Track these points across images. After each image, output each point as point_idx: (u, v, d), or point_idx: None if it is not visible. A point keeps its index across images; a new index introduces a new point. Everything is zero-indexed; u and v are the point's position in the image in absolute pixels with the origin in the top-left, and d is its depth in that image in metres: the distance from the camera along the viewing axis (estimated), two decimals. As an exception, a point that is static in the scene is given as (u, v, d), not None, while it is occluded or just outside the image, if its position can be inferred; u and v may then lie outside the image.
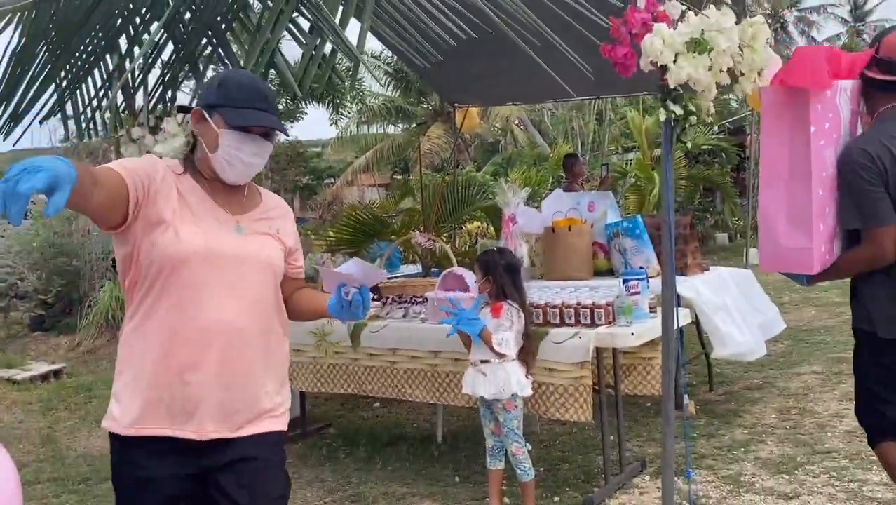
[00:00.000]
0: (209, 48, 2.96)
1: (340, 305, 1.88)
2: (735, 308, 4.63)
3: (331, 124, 22.14)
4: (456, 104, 7.98)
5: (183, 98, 3.15)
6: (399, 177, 26.24)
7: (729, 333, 4.41)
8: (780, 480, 3.59)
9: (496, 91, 7.36)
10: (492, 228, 9.36)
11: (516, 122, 23.31)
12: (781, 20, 38.18)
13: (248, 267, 1.84)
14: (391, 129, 24.62)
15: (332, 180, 23.85)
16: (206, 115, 1.80)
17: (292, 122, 17.15)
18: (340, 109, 15.85)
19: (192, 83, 3.13)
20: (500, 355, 3.16)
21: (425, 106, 23.01)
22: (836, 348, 6.06)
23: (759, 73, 2.18)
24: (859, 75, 2.55)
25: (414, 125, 23.38)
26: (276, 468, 1.89)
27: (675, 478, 3.34)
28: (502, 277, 3.27)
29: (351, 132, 23.67)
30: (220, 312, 1.78)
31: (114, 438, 1.85)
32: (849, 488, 3.43)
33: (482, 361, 3.22)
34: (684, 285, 4.46)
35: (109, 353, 8.04)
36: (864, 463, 3.69)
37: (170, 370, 1.76)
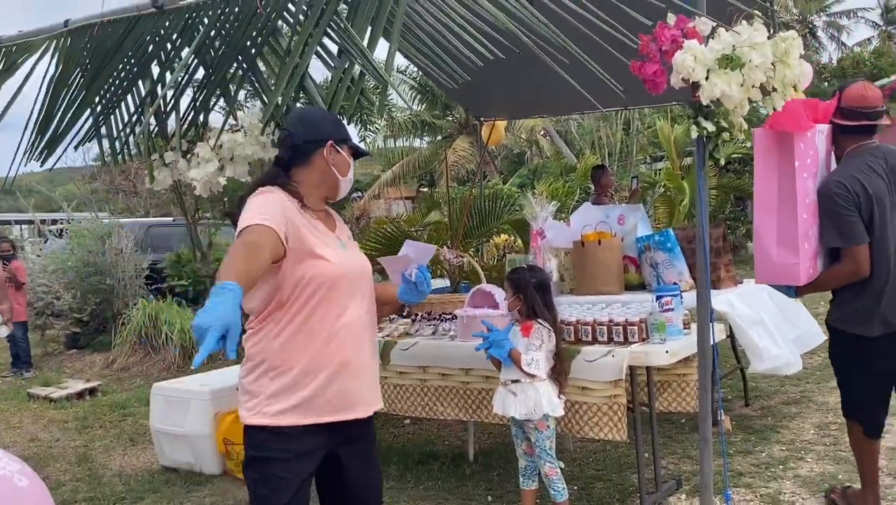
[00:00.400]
0: (240, 72, 3.00)
1: (408, 287, 2.21)
2: (770, 321, 4.54)
3: (360, 141, 22.24)
4: (482, 118, 7.99)
5: (215, 119, 3.19)
6: (425, 189, 26.32)
7: (765, 347, 4.34)
8: (821, 500, 3.50)
9: (522, 104, 7.35)
10: (520, 241, 9.33)
11: (542, 132, 23.25)
12: (810, 25, 37.74)
13: (365, 276, 2.27)
14: (417, 143, 24.76)
15: (360, 194, 23.98)
16: (338, 148, 2.24)
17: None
18: (368, 126, 15.94)
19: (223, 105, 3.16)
20: (531, 375, 3.13)
21: (450, 119, 23.09)
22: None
23: (794, 88, 2.14)
24: (829, 121, 3.08)
25: (440, 138, 23.47)
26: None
27: (714, 498, 3.29)
28: (533, 296, 3.25)
29: (378, 146, 23.83)
30: (357, 316, 2.17)
31: (270, 431, 2.10)
32: (893, 508, 3.34)
33: (513, 381, 3.19)
34: (718, 299, 4.39)
35: (143, 370, 8.15)
36: (908, 481, 3.59)
37: (332, 366, 2.12)
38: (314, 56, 2.73)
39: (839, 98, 3.06)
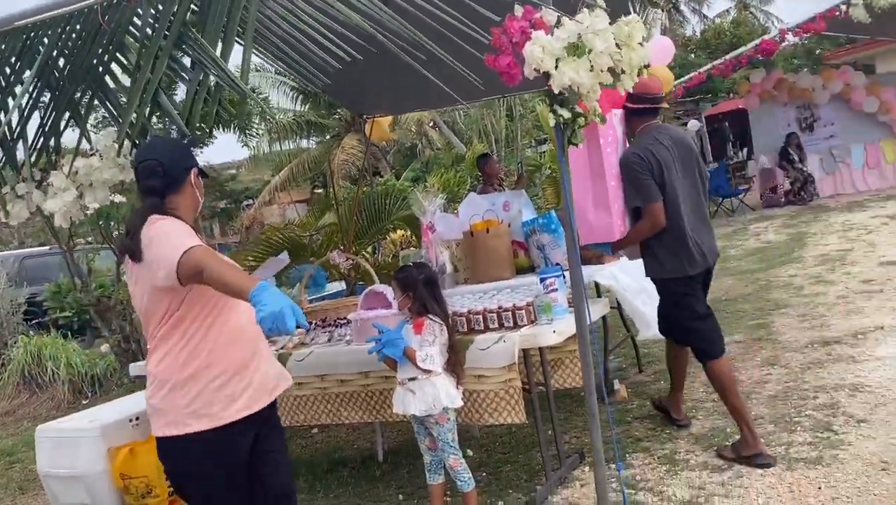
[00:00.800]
0: (88, 92, 2.85)
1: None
2: (652, 288, 4.75)
3: (242, 146, 21.77)
4: (364, 115, 7.93)
5: (68, 141, 3.03)
6: (320, 191, 25.95)
7: (651, 314, 4.53)
8: (712, 454, 3.69)
9: (401, 99, 7.34)
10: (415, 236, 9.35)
11: (430, 124, 23.36)
12: (673, 1, 39.51)
13: None
14: (305, 144, 24.33)
15: (251, 202, 23.39)
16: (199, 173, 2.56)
17: (201, 147, 16.75)
18: (248, 131, 15.54)
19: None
20: (427, 371, 3.14)
21: (337, 118, 22.82)
22: (754, 315, 6.30)
23: (644, 68, 2.23)
24: (622, 106, 3.81)
25: (328, 137, 23.16)
26: None
27: (611, 465, 3.41)
28: (422, 293, 3.26)
29: (263, 150, 23.26)
30: (249, 319, 2.24)
31: (206, 435, 2.32)
32: (776, 452, 3.55)
33: (410, 379, 3.20)
34: (602, 273, 4.56)
35: (30, 411, 7.67)
36: (788, 426, 3.84)
37: (243, 362, 2.40)
38: (167, 70, 2.63)
39: (637, 86, 3.52)
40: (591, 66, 2.11)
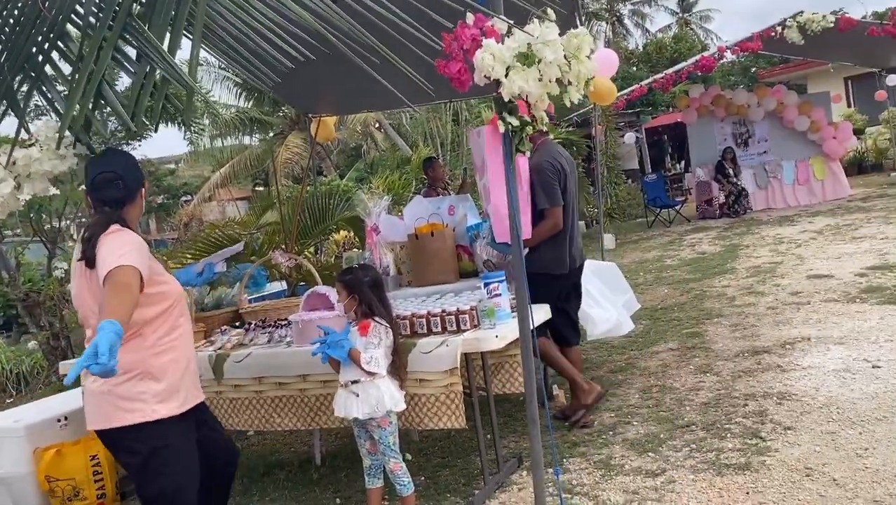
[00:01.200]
0: (27, 82, 2.74)
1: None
2: (596, 291, 4.88)
3: (187, 144, 21.34)
4: (310, 114, 7.86)
5: (4, 130, 2.93)
6: (261, 189, 25.54)
7: (597, 314, 4.65)
8: (646, 459, 3.78)
9: (348, 100, 7.31)
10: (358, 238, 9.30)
11: (376, 125, 23.26)
12: (617, 14, 40.37)
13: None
14: (247, 140, 23.91)
15: (189, 197, 22.87)
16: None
17: (140, 140, 16.30)
18: (192, 126, 15.21)
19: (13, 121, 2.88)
20: (371, 373, 3.14)
21: (281, 115, 22.51)
22: (688, 324, 6.48)
23: (588, 81, 2.28)
24: None
25: (271, 135, 22.82)
26: None
27: (549, 470, 3.46)
28: (368, 295, 3.25)
29: (204, 146, 22.77)
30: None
31: (160, 423, 2.59)
32: (707, 458, 3.66)
33: (353, 382, 3.18)
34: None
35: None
36: (719, 432, 3.96)
37: (187, 364, 2.75)
38: (112, 61, 2.56)
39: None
40: (541, 76, 2.14)
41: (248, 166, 21.83)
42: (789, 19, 11.33)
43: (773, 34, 11.47)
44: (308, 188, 7.56)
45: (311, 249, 8.35)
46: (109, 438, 2.66)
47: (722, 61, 13.02)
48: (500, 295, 3.56)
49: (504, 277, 3.64)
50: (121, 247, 2.48)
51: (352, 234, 10.57)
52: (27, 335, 9.20)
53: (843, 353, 4.94)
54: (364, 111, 12.00)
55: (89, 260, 2.55)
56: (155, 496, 2.65)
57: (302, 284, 6.01)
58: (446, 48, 2.21)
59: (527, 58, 2.12)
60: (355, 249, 8.47)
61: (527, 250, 5.10)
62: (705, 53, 13.29)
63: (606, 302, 4.78)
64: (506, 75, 2.15)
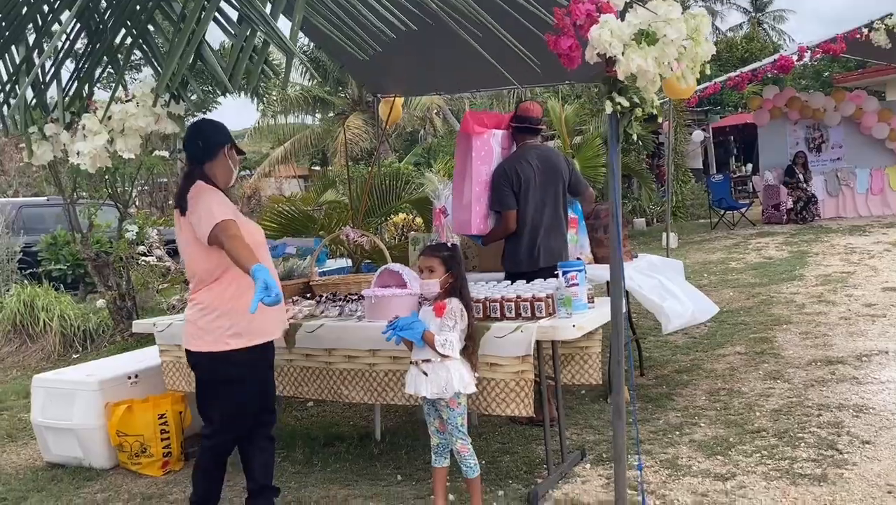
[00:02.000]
0: (128, 40, 2.77)
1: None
2: (668, 282, 4.74)
3: (261, 115, 21.73)
4: (378, 94, 7.83)
5: (100, 94, 2.98)
6: (318, 168, 25.78)
7: (670, 306, 4.53)
8: (715, 462, 3.68)
9: (420, 80, 7.24)
10: (419, 220, 9.30)
11: (436, 111, 23.24)
12: (688, 8, 39.36)
13: (261, 244, 3.31)
14: (308, 120, 24.16)
15: (249, 172, 23.23)
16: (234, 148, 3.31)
17: (204, 112, 16.56)
18: (265, 98, 15.37)
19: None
20: (444, 356, 3.10)
21: (343, 96, 22.65)
22: (756, 329, 6.30)
23: (704, 64, 2.18)
24: (507, 126, 4.55)
25: (332, 115, 23.00)
26: None
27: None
28: (464, 275, 3.24)
29: (268, 122, 23.09)
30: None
31: (241, 352, 3.11)
32: (780, 466, 3.55)
33: (424, 361, 3.15)
34: (617, 273, 4.53)
35: (19, 360, 7.60)
36: (792, 441, 3.83)
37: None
38: (212, 23, 2.56)
39: (517, 109, 4.60)
40: (657, 57, 2.06)
41: (308, 144, 22.06)
42: (877, 21, 10.85)
43: (858, 36, 11.00)
44: (373, 169, 7.57)
45: (372, 230, 8.38)
46: (191, 357, 3.20)
47: (800, 62, 12.56)
48: (577, 284, 3.50)
49: (583, 267, 3.56)
50: (216, 204, 3.02)
51: (412, 217, 10.57)
52: (92, 294, 9.46)
53: (923, 369, 4.74)
54: (432, 93, 11.92)
55: (181, 207, 3.12)
56: (214, 414, 3.21)
57: (367, 261, 6.02)
58: (558, 22, 2.14)
59: (648, 36, 2.04)
60: (420, 231, 8.45)
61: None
62: (784, 52, 12.85)
63: (681, 293, 4.64)
64: (622, 53, 2.07)
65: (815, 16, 63.12)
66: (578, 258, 4.31)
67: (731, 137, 22.66)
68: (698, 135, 17.22)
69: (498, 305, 3.53)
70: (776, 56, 12.49)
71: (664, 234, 9.25)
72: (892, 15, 10.79)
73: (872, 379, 4.67)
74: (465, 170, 4.42)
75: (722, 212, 14.55)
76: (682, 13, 2.10)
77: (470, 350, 3.20)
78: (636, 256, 5.02)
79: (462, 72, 6.16)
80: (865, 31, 10.95)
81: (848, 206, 13.73)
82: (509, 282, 4.00)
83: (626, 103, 2.17)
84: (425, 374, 3.15)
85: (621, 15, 2.15)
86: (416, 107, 21.89)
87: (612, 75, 2.15)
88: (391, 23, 2.29)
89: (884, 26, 10.68)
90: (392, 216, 10.45)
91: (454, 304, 3.14)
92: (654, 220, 15.53)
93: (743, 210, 14.56)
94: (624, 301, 4.34)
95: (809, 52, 11.70)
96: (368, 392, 3.77)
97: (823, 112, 13.70)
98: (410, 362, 3.24)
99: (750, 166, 19.58)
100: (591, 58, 2.16)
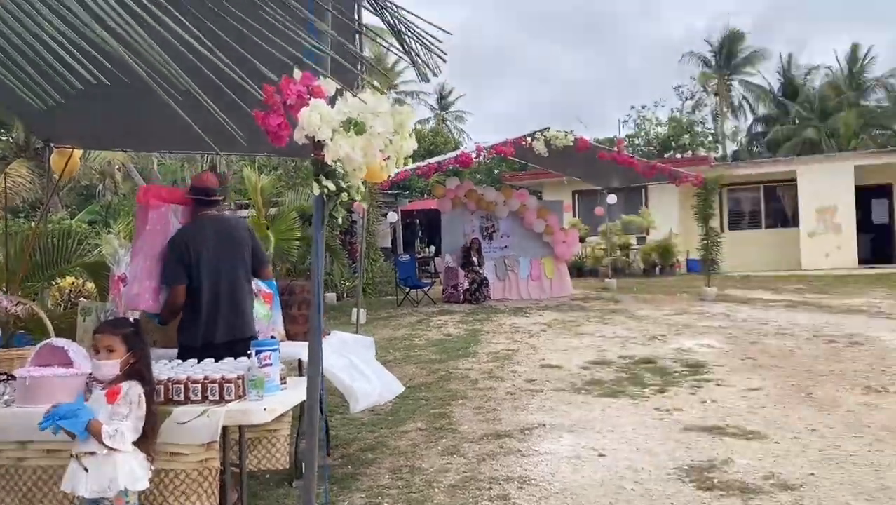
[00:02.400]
0: None
1: None
2: (359, 361, 4.81)
3: None
4: (52, 143, 6.99)
5: None
6: (-34, 218, 22.19)
7: (360, 387, 4.56)
8: (398, 543, 3.72)
9: (106, 134, 6.64)
10: (90, 285, 8.39)
11: (118, 166, 21.55)
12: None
13: None
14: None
15: None
16: None
17: None
18: None
19: None
20: (111, 448, 2.74)
21: (5, 139, 20.01)
22: (435, 404, 6.64)
23: (406, 158, 2.28)
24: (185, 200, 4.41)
25: (-9, 160, 20.11)
26: None
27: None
28: (148, 356, 2.91)
29: None
30: None
31: None
32: (457, 542, 3.70)
33: (87, 454, 2.76)
34: (307, 350, 4.48)
35: None
36: (467, 515, 4.03)
37: None
38: None
39: (193, 181, 4.61)
40: (364, 146, 2.10)
41: (-47, 190, 18.91)
42: (538, 132, 12.69)
43: (523, 143, 12.72)
44: (40, 225, 6.68)
45: (33, 296, 7.33)
46: None
47: (477, 159, 14.08)
48: (270, 364, 3.37)
49: (277, 347, 3.45)
50: None
51: (82, 281, 9.52)
52: None
53: (573, 440, 5.36)
54: (118, 148, 11.01)
55: None
56: None
57: (20, 332, 5.20)
58: (267, 99, 2.09)
59: (356, 125, 2.07)
60: (93, 299, 7.58)
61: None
62: (464, 149, 14.30)
63: (371, 372, 4.73)
64: (331, 138, 2.08)
65: (487, 118, 71.96)
66: (273, 336, 4.18)
67: (417, 220, 24.35)
68: (392, 216, 18.22)
69: (182, 386, 3.25)
70: (458, 152, 13.88)
71: (354, 310, 9.48)
72: (549, 128, 12.67)
73: (533, 451, 5.15)
74: (139, 240, 4.30)
75: (407, 290, 15.39)
76: (391, 106, 2.19)
77: (149, 439, 2.88)
78: (328, 333, 5.02)
79: (153, 130, 5.77)
80: (529, 139, 12.72)
81: (513, 290, 15.41)
82: (195, 360, 3.72)
83: (333, 187, 2.18)
84: (86, 469, 2.75)
85: (331, 101, 2.18)
86: (95, 159, 20.06)
87: (320, 158, 2.15)
88: (78, 73, 2.04)
89: (543, 137, 12.51)
90: (59, 280, 9.31)
91: (132, 388, 2.82)
92: (345, 294, 15.88)
93: (426, 289, 15.56)
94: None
95: (485, 151, 13.21)
96: (12, 492, 3.17)
97: (495, 205, 15.41)
98: (70, 455, 2.82)
99: (433, 248, 21.14)
100: (299, 138, 2.14)
